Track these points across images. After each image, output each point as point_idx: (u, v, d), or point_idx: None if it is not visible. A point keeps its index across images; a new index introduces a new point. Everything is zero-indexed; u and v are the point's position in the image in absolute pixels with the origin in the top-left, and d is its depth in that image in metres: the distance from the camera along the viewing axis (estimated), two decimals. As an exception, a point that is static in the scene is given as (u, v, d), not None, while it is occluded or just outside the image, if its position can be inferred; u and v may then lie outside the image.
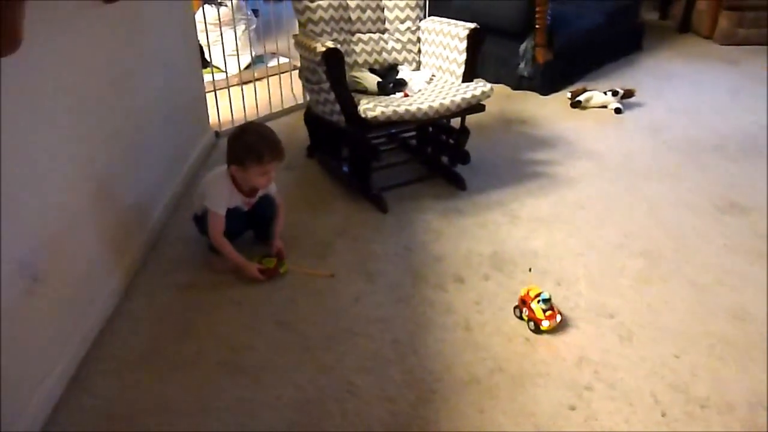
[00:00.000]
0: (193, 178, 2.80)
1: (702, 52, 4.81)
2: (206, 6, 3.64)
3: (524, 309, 1.90)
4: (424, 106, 2.38)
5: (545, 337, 1.85)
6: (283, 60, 4.00)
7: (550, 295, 1.88)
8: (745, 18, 4.91)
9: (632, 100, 3.67)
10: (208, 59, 3.68)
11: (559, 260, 2.22)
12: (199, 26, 3.23)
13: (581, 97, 3.64)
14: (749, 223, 2.45)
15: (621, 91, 3.61)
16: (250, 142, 2.04)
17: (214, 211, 2.08)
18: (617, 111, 3.57)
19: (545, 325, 1.85)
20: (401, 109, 2.34)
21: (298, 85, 3.54)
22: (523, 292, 1.92)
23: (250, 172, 2.05)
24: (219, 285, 2.11)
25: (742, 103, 3.74)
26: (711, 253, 2.26)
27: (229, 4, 3.64)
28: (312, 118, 2.84)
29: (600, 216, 2.51)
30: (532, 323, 1.88)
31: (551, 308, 1.86)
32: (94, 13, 1.86)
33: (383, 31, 2.87)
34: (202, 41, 3.50)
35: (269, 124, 3.44)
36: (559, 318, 1.87)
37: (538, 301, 1.86)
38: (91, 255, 1.87)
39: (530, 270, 2.14)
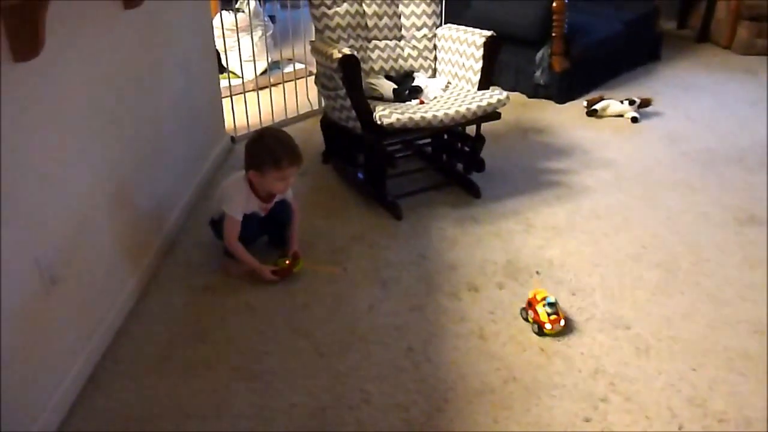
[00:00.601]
0: (209, 182, 2.82)
1: (720, 62, 4.77)
2: (223, 12, 3.67)
3: (530, 311, 1.92)
4: (440, 114, 2.38)
5: (560, 347, 1.83)
6: (299, 66, 4.01)
7: (556, 300, 1.89)
8: (764, 28, 4.85)
9: (650, 109, 3.64)
10: (225, 65, 3.71)
11: (574, 270, 2.20)
12: (216, 32, 3.25)
13: (597, 106, 3.62)
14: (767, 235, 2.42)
15: (638, 101, 3.59)
16: (268, 147, 2.05)
17: (231, 216, 2.08)
18: (634, 120, 3.54)
19: (548, 328, 1.86)
20: (417, 116, 2.34)
21: (313, 91, 3.55)
22: (530, 295, 1.93)
23: (267, 177, 2.06)
24: (234, 289, 2.11)
25: (762, 114, 3.70)
26: (730, 265, 2.23)
27: (246, 10, 3.67)
28: (328, 124, 2.85)
29: (617, 226, 2.49)
30: (536, 326, 1.89)
31: (556, 312, 1.87)
32: (113, 19, 1.88)
33: (399, 38, 2.88)
34: (219, 47, 3.52)
35: (284, 129, 3.48)
36: (563, 323, 1.88)
37: (544, 305, 1.88)
38: (108, 258, 1.88)
39: (537, 273, 2.13)
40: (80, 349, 1.70)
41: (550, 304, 1.87)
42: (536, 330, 1.89)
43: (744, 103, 3.90)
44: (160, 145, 2.31)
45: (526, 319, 1.93)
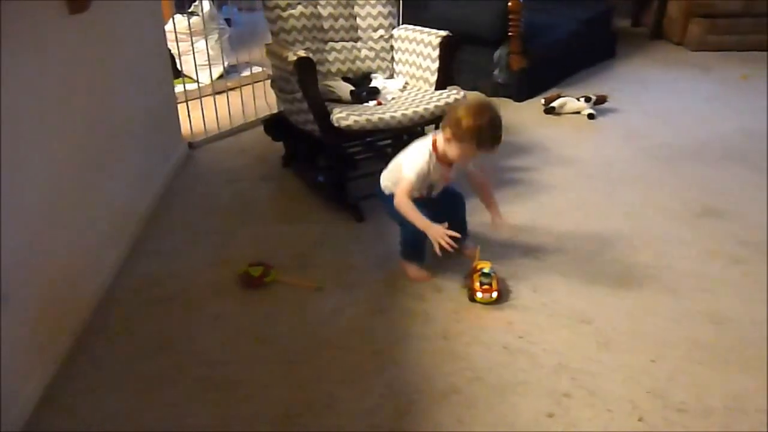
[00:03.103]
0: (168, 190, 2.77)
1: (674, 59, 4.88)
2: (177, 16, 3.60)
3: (468, 280, 2.05)
4: (398, 114, 2.38)
5: (523, 344, 1.84)
6: (256, 69, 3.97)
7: (493, 272, 2.01)
8: (716, 24, 4.99)
9: (607, 106, 3.70)
10: (180, 70, 3.65)
11: (536, 267, 2.22)
12: (170, 36, 3.19)
13: (555, 104, 3.67)
14: (725, 228, 2.47)
15: (594, 97, 3.65)
16: (485, 126, 1.88)
17: (410, 177, 1.97)
18: (590, 117, 3.60)
19: (479, 296, 1.99)
20: (374, 118, 2.33)
21: (271, 94, 3.51)
22: (474, 265, 2.05)
23: (460, 146, 1.92)
24: (195, 300, 2.07)
25: (717, 108, 3.80)
26: (687, 258, 2.27)
27: (200, 13, 3.61)
28: (282, 126, 2.81)
29: (577, 222, 2.52)
30: (468, 292, 2.02)
31: (490, 284, 1.98)
32: (57, 24, 1.82)
33: (356, 40, 2.86)
34: (174, 51, 3.46)
35: (243, 134, 3.45)
36: (495, 294, 1.99)
37: (480, 275, 2.00)
38: (62, 270, 1.82)
39: (478, 247, 2.13)
40: (34, 367, 1.65)
41: (485, 275, 2.00)
42: (468, 296, 2.02)
43: (698, 98, 4.00)
44: (114, 153, 2.25)
45: (465, 287, 2.06)
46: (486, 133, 1.89)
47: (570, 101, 3.67)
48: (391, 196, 2.05)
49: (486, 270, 2.01)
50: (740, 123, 3.53)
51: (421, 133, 2.74)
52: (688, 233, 2.44)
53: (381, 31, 2.85)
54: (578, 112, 3.65)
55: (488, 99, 1.96)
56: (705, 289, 2.10)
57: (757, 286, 2.11)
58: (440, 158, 2.01)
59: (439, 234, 1.91)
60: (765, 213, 2.56)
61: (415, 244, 2.12)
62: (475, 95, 1.95)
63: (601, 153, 3.18)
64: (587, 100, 3.63)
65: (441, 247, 1.91)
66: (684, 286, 2.11)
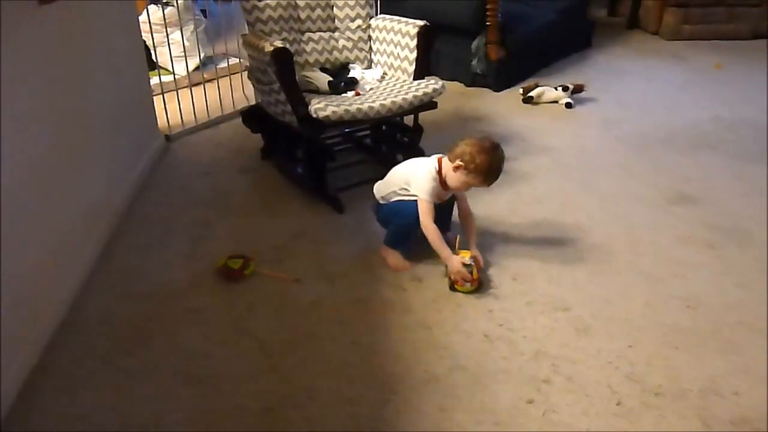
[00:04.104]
0: (145, 183, 2.74)
1: (650, 48, 4.93)
2: (151, 6, 3.55)
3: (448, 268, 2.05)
4: (376, 105, 2.37)
5: (504, 332, 1.86)
6: (233, 60, 3.93)
7: (472, 262, 2.02)
8: (690, 14, 5.05)
9: (584, 95, 3.73)
10: (155, 61, 3.60)
11: (515, 255, 2.23)
12: (144, 27, 3.14)
13: (533, 93, 3.68)
14: (698, 214, 2.51)
15: (571, 87, 3.67)
16: (495, 167, 2.02)
17: (426, 200, 2.06)
18: (568, 106, 3.62)
19: (459, 285, 2.02)
20: (353, 108, 2.32)
21: (249, 86, 3.48)
22: (456, 254, 2.06)
23: (465, 176, 2.02)
24: (174, 294, 2.05)
25: (691, 97, 3.84)
26: (663, 244, 2.31)
27: (175, 3, 3.56)
28: (260, 118, 2.79)
29: (554, 211, 2.54)
30: (448, 281, 2.05)
31: (471, 273, 2.00)
32: (26, 15, 1.78)
33: (333, 30, 2.85)
34: (149, 42, 3.41)
35: (221, 126, 3.42)
36: (474, 284, 2.02)
37: (462, 265, 2.01)
38: (36, 267, 1.80)
39: (458, 237, 2.15)
40: (9, 364, 1.62)
41: (465, 264, 2.00)
42: (449, 285, 2.04)
43: (673, 86, 4.04)
44: (87, 146, 2.22)
45: (446, 276, 2.07)
46: (496, 172, 2.04)
47: (548, 91, 3.69)
48: (381, 205, 2.22)
49: (466, 259, 2.03)
50: (714, 111, 3.58)
51: (400, 123, 2.75)
52: (663, 219, 2.47)
53: (358, 21, 2.83)
54: (556, 102, 3.68)
55: (498, 143, 2.06)
56: (680, 274, 2.13)
57: (730, 271, 2.15)
58: (441, 182, 2.09)
59: (455, 268, 2.01)
60: (737, 199, 2.60)
61: (404, 236, 2.17)
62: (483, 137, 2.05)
63: (578, 141, 3.20)
64: (565, 89, 3.66)
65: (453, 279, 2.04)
66: (659, 272, 2.14)
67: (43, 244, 1.84)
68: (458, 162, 2.01)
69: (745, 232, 2.37)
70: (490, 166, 2.00)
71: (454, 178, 2.05)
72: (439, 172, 2.08)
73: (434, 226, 2.07)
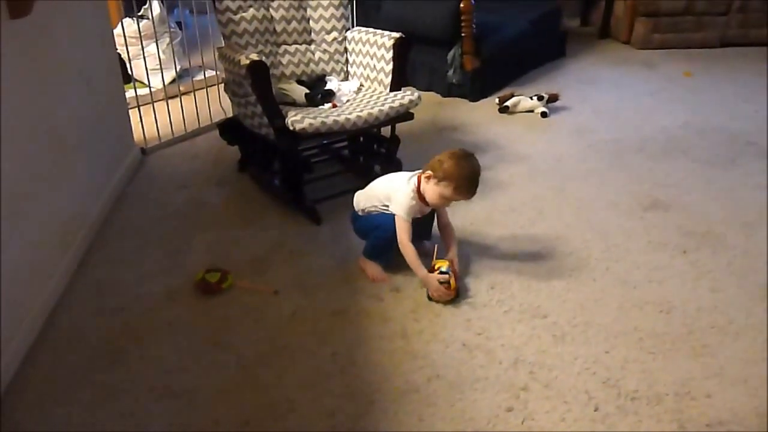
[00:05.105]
0: (120, 197, 2.71)
1: (621, 57, 5.02)
2: (126, 19, 3.53)
3: None
4: (353, 116, 2.38)
5: (481, 341, 1.87)
6: (210, 73, 3.92)
7: (449, 271, 2.03)
8: (660, 23, 5.15)
9: (558, 104, 3.78)
10: (131, 74, 3.57)
11: (491, 264, 2.25)
12: (119, 40, 3.13)
13: (509, 102, 3.72)
14: (671, 219, 2.55)
15: (546, 96, 3.72)
16: (465, 173, 1.98)
17: (403, 217, 2.05)
18: (543, 115, 3.67)
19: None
20: (329, 120, 2.33)
21: (226, 98, 3.46)
22: (432, 264, 2.08)
23: (439, 188, 2.00)
24: (149, 308, 2.03)
25: (662, 104, 3.91)
26: (637, 250, 2.34)
27: (150, 16, 3.55)
28: (237, 130, 2.79)
29: (532, 219, 2.56)
30: (427, 291, 2.05)
31: (447, 282, 2.01)
32: None
33: (309, 42, 2.86)
34: (124, 56, 3.39)
35: (198, 139, 3.41)
36: (453, 294, 2.02)
37: (438, 273, 2.03)
38: (8, 282, 1.77)
39: (435, 247, 2.16)
40: (-20, 382, 1.59)
41: (442, 272, 2.02)
42: (427, 295, 2.05)
43: (644, 94, 4.11)
44: (63, 159, 2.20)
45: (423, 286, 2.08)
46: (467, 179, 1.99)
47: (523, 100, 3.73)
48: (359, 216, 2.22)
49: (444, 268, 2.03)
50: (684, 117, 3.65)
51: (377, 134, 2.76)
52: (637, 225, 2.51)
53: (334, 34, 2.85)
54: (531, 111, 3.72)
55: (471, 153, 2.05)
56: (654, 279, 2.16)
57: (703, 275, 2.18)
58: (420, 197, 2.08)
59: (433, 286, 2.03)
60: (709, 204, 2.65)
61: (383, 249, 2.16)
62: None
63: (553, 150, 3.24)
64: (540, 98, 3.70)
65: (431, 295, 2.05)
66: (634, 277, 2.17)
67: (17, 258, 1.82)
68: (428, 172, 2.02)
69: (717, 237, 2.41)
70: (459, 172, 1.97)
71: (429, 191, 2.04)
72: (418, 188, 2.07)
73: (411, 245, 2.06)
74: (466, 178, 1.99)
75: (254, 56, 2.33)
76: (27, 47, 1.96)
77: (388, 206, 2.11)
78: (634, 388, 1.69)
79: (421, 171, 2.08)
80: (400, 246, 2.07)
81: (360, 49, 2.79)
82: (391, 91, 2.65)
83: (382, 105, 2.48)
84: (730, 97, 4.00)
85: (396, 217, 2.07)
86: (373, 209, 2.18)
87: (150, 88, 3.53)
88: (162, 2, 3.81)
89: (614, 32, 5.51)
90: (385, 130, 2.72)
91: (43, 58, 2.09)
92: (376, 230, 2.15)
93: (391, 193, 2.11)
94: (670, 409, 1.62)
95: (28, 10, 1.86)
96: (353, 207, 2.25)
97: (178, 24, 4.12)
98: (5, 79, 1.80)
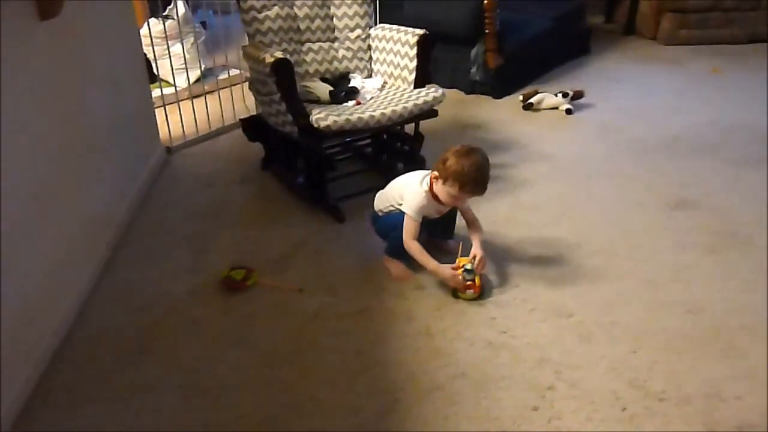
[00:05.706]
0: (146, 195, 2.74)
1: (647, 54, 4.95)
2: (152, 19, 3.57)
3: None
4: (377, 114, 2.38)
5: (506, 339, 1.86)
6: (234, 72, 3.95)
7: (473, 268, 2.02)
8: (687, 19, 5.06)
9: (583, 101, 3.74)
10: (156, 74, 3.62)
11: (516, 262, 2.23)
12: (145, 40, 3.16)
13: (533, 99, 3.70)
14: (699, 219, 2.51)
15: (571, 93, 3.68)
16: (468, 171, 1.92)
17: (412, 217, 2.04)
18: (568, 112, 3.63)
19: (462, 293, 2.03)
20: (354, 118, 2.33)
21: (250, 97, 3.49)
22: (456, 263, 2.06)
23: (444, 186, 1.98)
24: (175, 306, 2.06)
25: (689, 102, 3.85)
26: (663, 249, 2.31)
27: (175, 16, 3.58)
28: (260, 128, 2.81)
29: (555, 217, 2.54)
30: (451, 289, 2.04)
31: (472, 280, 2.01)
32: (28, 30, 1.80)
33: (333, 40, 2.86)
34: (150, 55, 3.43)
35: (222, 137, 3.43)
36: (477, 291, 2.02)
37: (463, 272, 2.01)
38: (39, 280, 1.80)
39: (460, 245, 2.14)
40: (12, 381, 1.62)
41: (468, 271, 2.01)
42: (452, 293, 2.04)
43: (670, 92, 4.05)
44: (89, 159, 2.23)
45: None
46: (469, 175, 1.92)
47: (548, 97, 3.70)
48: (378, 216, 2.23)
49: (468, 266, 2.03)
50: (711, 116, 3.59)
51: (401, 132, 2.75)
52: (663, 225, 2.47)
53: (358, 31, 2.85)
54: (556, 108, 3.69)
55: (478, 147, 2.00)
56: (681, 279, 2.13)
57: (732, 275, 2.15)
58: (434, 197, 2.05)
59: (448, 276, 2.02)
60: (737, 203, 2.61)
61: (404, 249, 2.12)
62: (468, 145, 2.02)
63: (577, 148, 3.21)
64: (564, 95, 3.67)
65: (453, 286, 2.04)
66: (661, 277, 2.14)
67: (45, 258, 1.85)
68: (434, 173, 2.00)
69: (746, 237, 2.37)
70: (463, 171, 1.91)
71: (439, 192, 2.02)
72: (431, 188, 2.05)
73: (415, 243, 2.05)
74: (470, 176, 1.93)
75: (278, 54, 2.34)
76: (56, 48, 2.00)
77: (402, 205, 2.10)
78: (662, 388, 1.66)
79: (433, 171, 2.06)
80: (404, 244, 2.06)
81: (383, 47, 2.79)
82: (415, 88, 2.65)
83: (406, 102, 2.48)
84: (759, 95, 3.92)
85: (405, 215, 2.06)
86: (390, 209, 2.18)
87: (175, 87, 3.57)
88: (187, 2, 3.84)
89: (639, 29, 5.44)
90: (409, 128, 2.71)
91: (72, 59, 2.13)
92: (396, 230, 2.13)
93: (405, 192, 2.11)
94: (699, 410, 1.60)
95: (58, 11, 1.89)
96: (374, 207, 2.25)
97: (202, 23, 4.16)
98: (36, 79, 1.84)
